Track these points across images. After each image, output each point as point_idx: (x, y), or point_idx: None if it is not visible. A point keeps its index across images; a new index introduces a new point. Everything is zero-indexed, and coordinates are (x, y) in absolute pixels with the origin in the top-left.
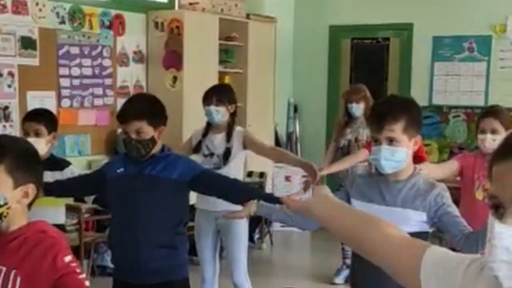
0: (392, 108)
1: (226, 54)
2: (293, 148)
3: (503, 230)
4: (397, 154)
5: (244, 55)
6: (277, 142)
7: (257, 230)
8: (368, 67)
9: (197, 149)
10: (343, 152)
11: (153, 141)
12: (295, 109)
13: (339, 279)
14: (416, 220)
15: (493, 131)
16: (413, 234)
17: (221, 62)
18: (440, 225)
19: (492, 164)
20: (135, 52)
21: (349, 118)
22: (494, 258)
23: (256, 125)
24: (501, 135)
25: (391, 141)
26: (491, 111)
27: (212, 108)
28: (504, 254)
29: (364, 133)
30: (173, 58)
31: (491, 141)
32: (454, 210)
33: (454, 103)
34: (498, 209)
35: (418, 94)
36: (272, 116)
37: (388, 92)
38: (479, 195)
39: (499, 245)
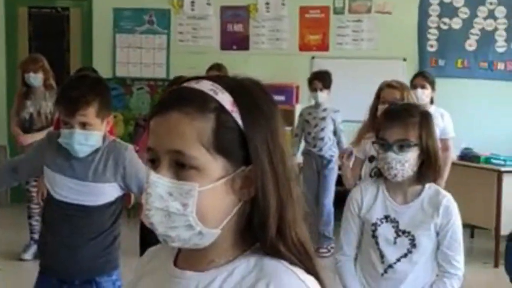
0: (84, 93)
1: None
2: None
3: (157, 179)
4: (91, 138)
5: None
6: None
7: None
8: (48, 37)
9: None
10: (26, 125)
11: None
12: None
13: (28, 255)
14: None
15: None
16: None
17: None
18: None
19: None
20: None
21: (28, 88)
22: (150, 206)
23: None
24: None
25: (84, 125)
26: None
27: None
28: (157, 201)
29: (48, 106)
30: None
31: None
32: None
33: (137, 75)
34: (154, 162)
35: (101, 66)
36: None
37: (71, 63)
38: None
39: (154, 193)
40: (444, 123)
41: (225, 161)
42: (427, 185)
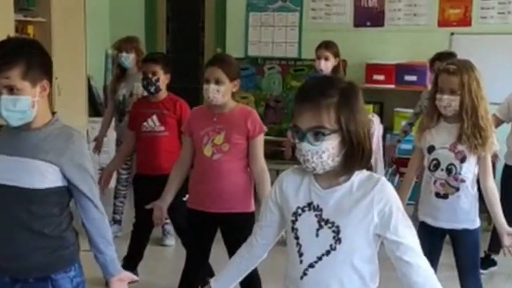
0: (4, 54)
1: (27, 1)
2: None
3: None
4: (19, 103)
5: (47, 1)
6: (92, 95)
7: None
8: (185, 18)
9: None
10: (120, 108)
11: None
12: (113, 62)
13: None
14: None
15: (217, 82)
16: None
17: (20, 10)
18: None
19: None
20: None
21: (122, 71)
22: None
23: (64, 78)
24: (225, 85)
25: (11, 90)
26: (215, 60)
27: None
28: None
29: (140, 87)
30: None
31: (215, 91)
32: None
33: (269, 54)
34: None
35: (234, 46)
36: (84, 69)
37: (205, 43)
38: (208, 151)
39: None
40: None
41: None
42: (357, 171)
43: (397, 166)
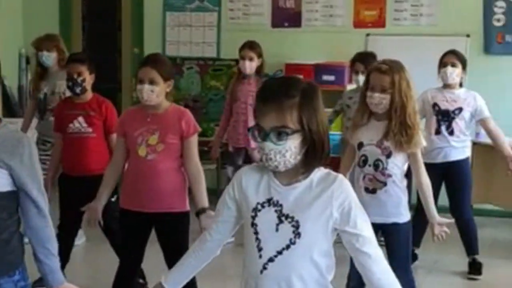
0: None
1: None
2: (23, 102)
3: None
4: None
5: None
6: (6, 95)
7: None
8: (101, 17)
9: None
10: (41, 107)
11: None
12: (27, 61)
13: None
14: None
15: (151, 82)
16: None
17: None
18: None
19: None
20: None
21: (43, 69)
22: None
23: None
24: (160, 85)
25: None
26: (149, 60)
27: None
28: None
29: (62, 86)
30: None
31: (149, 92)
32: None
33: (187, 55)
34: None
35: (152, 45)
36: None
37: (123, 43)
38: (142, 151)
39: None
40: (477, 103)
41: None
42: (316, 169)
43: None
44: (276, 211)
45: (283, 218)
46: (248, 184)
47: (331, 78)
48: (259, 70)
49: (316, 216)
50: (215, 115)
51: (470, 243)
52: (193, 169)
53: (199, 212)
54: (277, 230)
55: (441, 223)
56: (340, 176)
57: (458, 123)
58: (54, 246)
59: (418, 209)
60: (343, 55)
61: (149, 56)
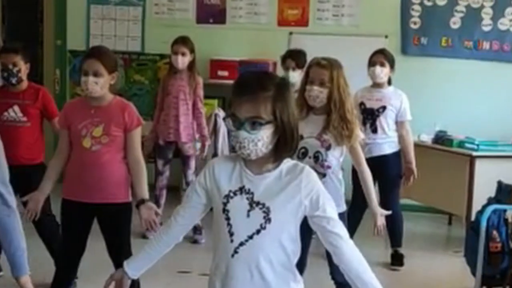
0: None
1: None
2: None
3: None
4: None
5: None
6: None
7: None
8: (22, 7)
9: None
10: None
11: None
12: None
13: None
14: None
15: (95, 74)
16: None
17: None
18: None
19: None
20: None
21: None
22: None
23: None
24: (104, 77)
25: None
26: (94, 52)
27: None
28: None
29: None
30: None
31: (93, 84)
32: None
33: (111, 48)
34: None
35: (75, 38)
36: None
37: (45, 35)
38: (87, 143)
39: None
40: (402, 105)
41: None
42: (284, 160)
43: None
44: (247, 198)
45: (254, 205)
46: (221, 173)
47: None
48: (191, 66)
49: (285, 203)
50: (139, 109)
51: (395, 236)
52: (135, 161)
53: (139, 203)
54: (248, 216)
55: (383, 214)
56: (307, 167)
57: (382, 121)
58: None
59: (353, 203)
60: (267, 53)
61: (94, 48)
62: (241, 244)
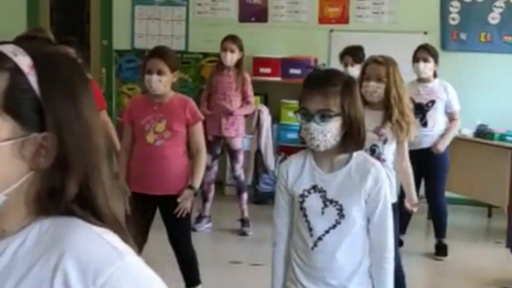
0: None
1: None
2: None
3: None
4: None
5: None
6: None
7: None
8: (69, 9)
9: None
10: None
11: None
12: None
13: None
14: None
15: (159, 72)
16: None
17: None
18: None
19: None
20: None
21: None
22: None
23: None
24: (167, 75)
25: None
26: (157, 52)
27: None
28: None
29: None
30: None
31: (157, 82)
32: None
33: None
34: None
35: (120, 38)
36: None
37: (91, 35)
38: (150, 138)
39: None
40: (448, 96)
41: (14, 122)
42: (355, 154)
43: (285, 153)
44: (321, 196)
45: (327, 203)
46: (293, 173)
47: (298, 71)
48: (238, 63)
49: (356, 200)
50: None
51: (440, 227)
52: (196, 152)
53: (186, 188)
54: (323, 213)
55: (415, 203)
56: (376, 165)
57: (432, 115)
58: None
59: (401, 198)
60: (308, 50)
61: (157, 48)
62: (319, 238)
